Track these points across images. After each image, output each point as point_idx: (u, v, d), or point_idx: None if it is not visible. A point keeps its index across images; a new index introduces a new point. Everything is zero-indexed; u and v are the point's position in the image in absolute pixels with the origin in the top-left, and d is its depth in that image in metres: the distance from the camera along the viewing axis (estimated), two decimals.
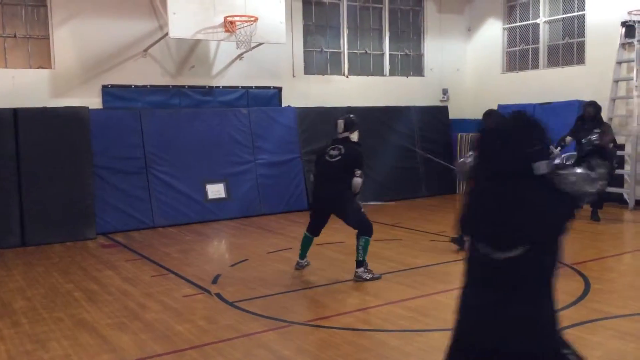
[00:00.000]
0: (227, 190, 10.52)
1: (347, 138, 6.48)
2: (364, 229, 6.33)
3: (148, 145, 9.94)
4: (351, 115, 6.74)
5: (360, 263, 6.35)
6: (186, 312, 5.42)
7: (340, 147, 6.44)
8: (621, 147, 10.24)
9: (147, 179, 9.87)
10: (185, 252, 8.04)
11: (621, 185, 10.67)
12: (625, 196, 10.64)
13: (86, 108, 9.28)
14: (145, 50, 10.33)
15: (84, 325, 5.16)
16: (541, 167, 2.28)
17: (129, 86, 10.30)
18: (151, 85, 10.49)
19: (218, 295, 5.92)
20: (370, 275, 6.34)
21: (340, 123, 6.53)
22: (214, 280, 6.48)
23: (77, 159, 9.03)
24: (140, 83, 10.38)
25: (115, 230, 9.36)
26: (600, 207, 9.58)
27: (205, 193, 10.30)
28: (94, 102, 9.88)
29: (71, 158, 8.98)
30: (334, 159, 6.41)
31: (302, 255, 6.86)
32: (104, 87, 10.09)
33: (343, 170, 6.33)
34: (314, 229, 6.76)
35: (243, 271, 6.91)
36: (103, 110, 9.89)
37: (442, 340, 4.54)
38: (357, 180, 6.29)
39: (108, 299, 5.91)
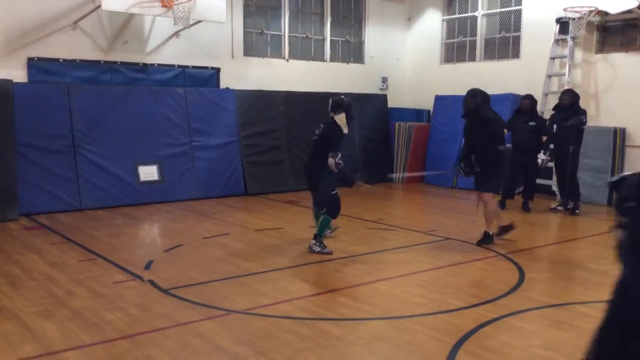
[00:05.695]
0: (161, 172, 10.15)
1: (333, 118, 6.69)
2: (329, 211, 6.73)
3: (76, 123, 9.44)
4: (342, 96, 6.88)
5: (315, 236, 6.75)
6: (117, 300, 5.15)
7: (322, 126, 6.76)
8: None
9: (75, 158, 9.38)
10: (115, 236, 7.68)
11: (550, 178, 11.02)
12: (554, 188, 11.00)
13: (10, 81, 8.69)
14: (76, 22, 9.77)
15: (5, 312, 4.81)
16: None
17: (57, 60, 9.72)
18: (81, 60, 9.94)
19: (151, 282, 5.67)
20: (319, 249, 6.69)
21: (330, 102, 6.74)
22: (147, 266, 6.21)
23: None
24: (69, 57, 9.82)
25: (39, 212, 8.87)
26: (531, 199, 9.88)
27: (137, 175, 9.89)
28: (19, 75, 9.28)
29: None
30: (315, 137, 6.78)
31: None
32: (30, 59, 9.49)
33: (319, 149, 6.64)
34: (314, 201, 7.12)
35: (178, 257, 6.65)
36: (28, 84, 9.30)
37: (384, 329, 4.54)
38: (329, 161, 6.48)
39: (32, 285, 5.55)
